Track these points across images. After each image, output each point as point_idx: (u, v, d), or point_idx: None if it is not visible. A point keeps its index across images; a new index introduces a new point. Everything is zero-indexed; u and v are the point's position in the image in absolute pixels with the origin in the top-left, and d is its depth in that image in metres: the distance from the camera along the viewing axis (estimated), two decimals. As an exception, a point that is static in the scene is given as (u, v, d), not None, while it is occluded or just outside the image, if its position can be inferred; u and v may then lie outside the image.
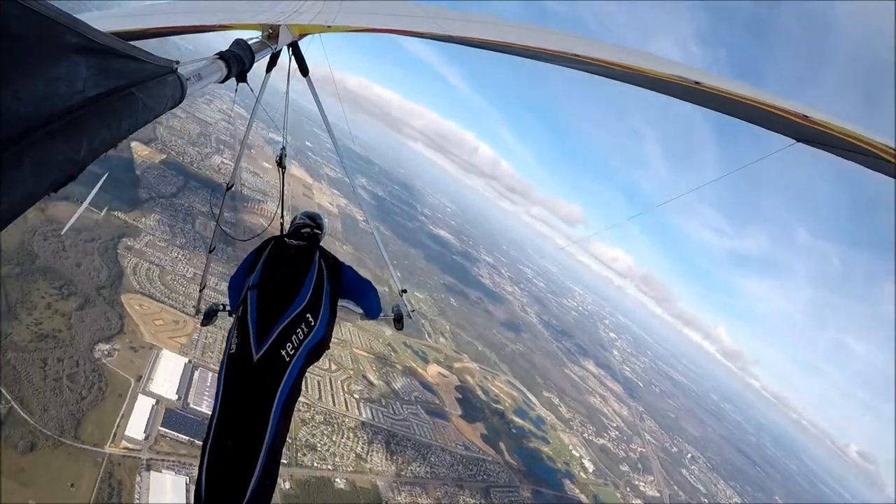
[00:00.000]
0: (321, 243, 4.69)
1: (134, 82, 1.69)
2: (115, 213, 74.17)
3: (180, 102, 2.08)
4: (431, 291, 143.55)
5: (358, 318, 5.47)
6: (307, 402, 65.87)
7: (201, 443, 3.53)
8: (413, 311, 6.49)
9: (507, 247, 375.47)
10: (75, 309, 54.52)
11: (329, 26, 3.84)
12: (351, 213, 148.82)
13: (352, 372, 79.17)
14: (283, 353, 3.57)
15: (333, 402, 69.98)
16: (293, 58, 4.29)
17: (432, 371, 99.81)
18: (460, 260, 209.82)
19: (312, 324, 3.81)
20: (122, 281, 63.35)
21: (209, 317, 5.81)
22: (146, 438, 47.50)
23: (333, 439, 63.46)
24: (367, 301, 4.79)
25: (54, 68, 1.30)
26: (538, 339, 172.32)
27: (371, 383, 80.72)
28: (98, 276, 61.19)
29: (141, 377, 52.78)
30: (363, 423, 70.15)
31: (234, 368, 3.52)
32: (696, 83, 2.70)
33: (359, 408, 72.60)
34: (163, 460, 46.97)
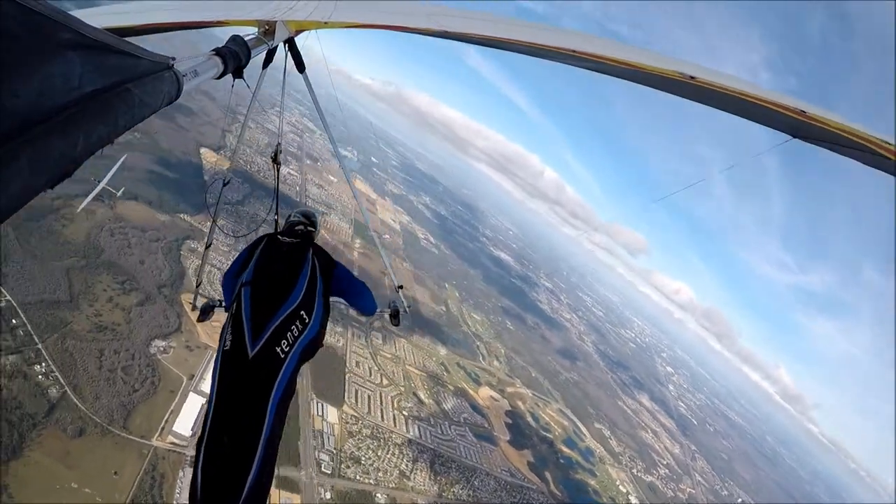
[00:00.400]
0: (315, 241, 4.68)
1: (130, 78, 1.68)
2: (181, 215, 77.65)
3: (176, 99, 2.09)
4: (488, 314, 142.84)
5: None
6: (355, 414, 66.58)
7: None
8: (409, 306, 6.40)
9: (567, 273, 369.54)
10: (135, 304, 56.67)
11: (325, 22, 3.84)
12: (412, 231, 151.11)
13: (403, 389, 79.49)
14: (279, 350, 3.53)
15: (382, 416, 70.38)
16: (289, 54, 4.30)
17: (483, 394, 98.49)
18: (519, 283, 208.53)
19: (307, 321, 3.77)
20: (182, 281, 65.08)
21: (205, 313, 5.90)
22: (193, 436, 48.12)
23: (378, 454, 63.56)
24: (362, 300, 4.75)
25: (50, 65, 1.31)
26: (593, 368, 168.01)
27: (421, 401, 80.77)
28: (160, 274, 63.62)
29: (193, 376, 54.24)
30: (409, 441, 70.07)
31: (230, 365, 3.48)
32: (692, 78, 2.58)
33: (407, 425, 72.63)
34: (207, 458, 47.81)
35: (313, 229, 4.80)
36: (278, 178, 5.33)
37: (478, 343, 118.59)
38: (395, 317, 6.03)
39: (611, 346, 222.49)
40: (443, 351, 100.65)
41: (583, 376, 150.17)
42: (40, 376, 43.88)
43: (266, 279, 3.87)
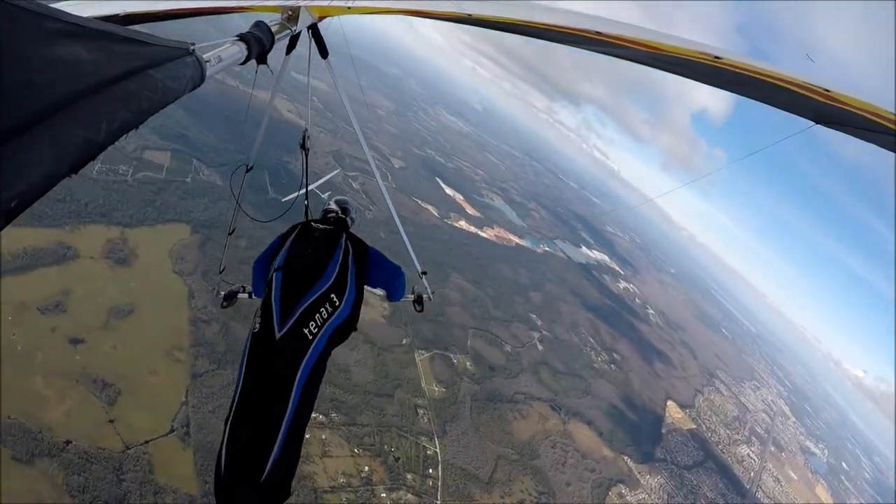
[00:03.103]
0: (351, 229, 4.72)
1: (150, 64, 1.69)
2: (625, 458, 76.72)
3: (200, 84, 2.08)
4: None
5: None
6: None
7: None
8: (433, 292, 6.36)
9: None
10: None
11: (349, 7, 3.85)
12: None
13: None
14: (306, 331, 3.55)
15: None
16: (313, 40, 4.27)
17: None
18: None
19: (337, 304, 3.80)
20: (593, 520, 64.05)
21: (229, 298, 5.95)
22: None
23: None
24: (395, 284, 4.78)
25: (57, 53, 1.33)
26: None
27: None
28: (577, 501, 63.09)
29: None
30: None
31: (257, 346, 3.53)
32: (717, 58, 2.48)
33: None
34: None
35: (345, 216, 4.88)
36: (306, 163, 5.40)
37: None
38: (418, 303, 6.05)
39: None
40: None
41: None
42: (422, 524, 45.53)
43: (297, 264, 3.91)
